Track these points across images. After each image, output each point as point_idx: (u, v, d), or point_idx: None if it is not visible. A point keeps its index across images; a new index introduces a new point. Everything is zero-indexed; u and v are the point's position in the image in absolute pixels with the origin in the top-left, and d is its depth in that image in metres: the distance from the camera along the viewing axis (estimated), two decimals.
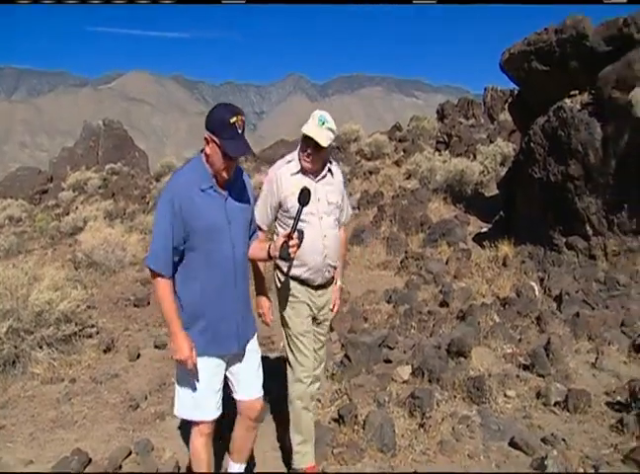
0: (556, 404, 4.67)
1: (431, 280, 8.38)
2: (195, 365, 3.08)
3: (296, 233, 3.13)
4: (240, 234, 3.17)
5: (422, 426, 4.30)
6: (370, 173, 16.27)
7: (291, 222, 3.30)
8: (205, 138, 2.97)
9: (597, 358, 5.60)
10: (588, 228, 8.11)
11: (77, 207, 19.64)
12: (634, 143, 7.45)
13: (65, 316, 6.63)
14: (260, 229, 3.64)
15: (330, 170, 3.75)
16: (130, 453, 4.36)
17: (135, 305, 8.66)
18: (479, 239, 10.07)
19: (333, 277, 3.88)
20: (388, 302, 7.76)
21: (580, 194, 8.09)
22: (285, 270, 3.72)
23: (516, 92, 14.81)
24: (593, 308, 7.06)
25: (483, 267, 8.70)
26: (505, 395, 4.85)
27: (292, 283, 3.73)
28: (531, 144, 8.74)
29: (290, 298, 3.75)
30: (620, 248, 7.88)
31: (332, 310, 4.01)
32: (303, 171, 3.64)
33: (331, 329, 6.40)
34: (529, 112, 9.36)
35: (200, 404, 3.17)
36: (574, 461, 3.84)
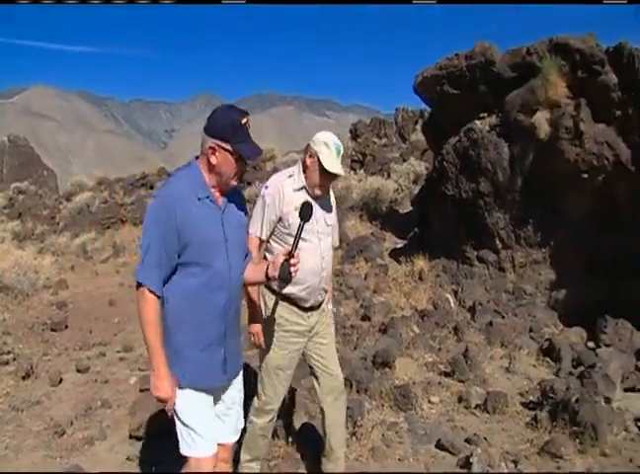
0: (477, 406, 4.99)
1: (351, 296, 8.59)
2: (173, 406, 2.76)
3: (297, 251, 2.82)
4: (236, 253, 2.85)
5: (354, 434, 4.46)
6: None
7: (291, 239, 3.10)
8: (211, 147, 2.67)
9: (509, 363, 6.02)
10: (497, 242, 8.56)
11: None
12: (538, 163, 7.97)
13: None
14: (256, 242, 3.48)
15: (328, 191, 3.62)
16: None
17: (53, 329, 8.43)
18: (395, 255, 10.39)
19: (322, 301, 3.63)
20: None
21: (489, 209, 8.55)
22: (277, 288, 3.46)
23: (426, 113, 15.43)
24: (503, 317, 7.52)
25: (400, 281, 9.00)
26: (429, 401, 5.13)
27: (282, 308, 3.48)
28: (444, 163, 9.14)
29: (277, 328, 3.49)
30: (526, 260, 8.37)
31: None
32: (306, 190, 3.45)
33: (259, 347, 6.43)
34: (442, 132, 9.77)
35: (201, 438, 2.78)
36: (495, 457, 4.13)
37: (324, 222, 3.52)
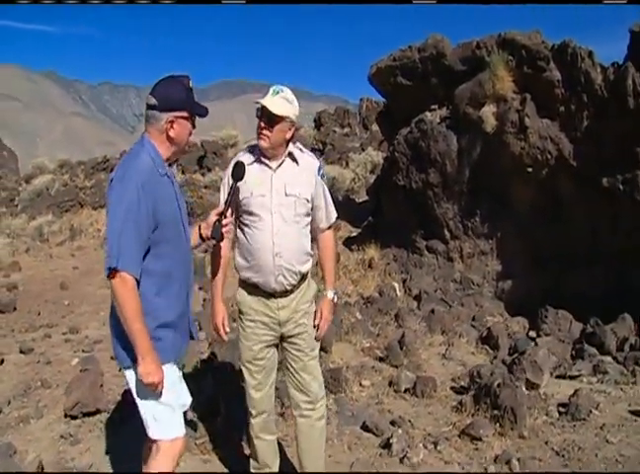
0: (406, 390, 5.11)
1: None
2: (163, 386, 2.65)
3: (229, 211, 2.94)
4: (186, 223, 2.85)
5: (282, 415, 4.54)
6: None
7: (251, 219, 3.09)
8: (170, 121, 2.66)
9: (447, 350, 6.16)
10: (446, 232, 8.74)
11: None
12: (485, 155, 8.15)
13: None
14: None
15: (293, 157, 3.22)
16: None
17: (0, 311, 8.36)
18: (349, 243, 10.49)
19: (295, 286, 3.26)
20: None
21: (438, 200, 8.70)
22: (241, 273, 3.30)
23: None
24: (450, 306, 7.68)
25: (350, 269, 9.12)
26: (360, 384, 5.24)
27: (249, 296, 3.29)
28: (396, 154, 9.24)
29: (242, 317, 3.32)
30: (474, 250, 8.56)
31: (317, 327, 3.37)
32: (260, 160, 3.17)
33: (199, 328, 6.44)
34: (395, 123, 9.90)
35: (177, 417, 2.76)
36: (417, 439, 4.26)
37: (284, 192, 3.14)
